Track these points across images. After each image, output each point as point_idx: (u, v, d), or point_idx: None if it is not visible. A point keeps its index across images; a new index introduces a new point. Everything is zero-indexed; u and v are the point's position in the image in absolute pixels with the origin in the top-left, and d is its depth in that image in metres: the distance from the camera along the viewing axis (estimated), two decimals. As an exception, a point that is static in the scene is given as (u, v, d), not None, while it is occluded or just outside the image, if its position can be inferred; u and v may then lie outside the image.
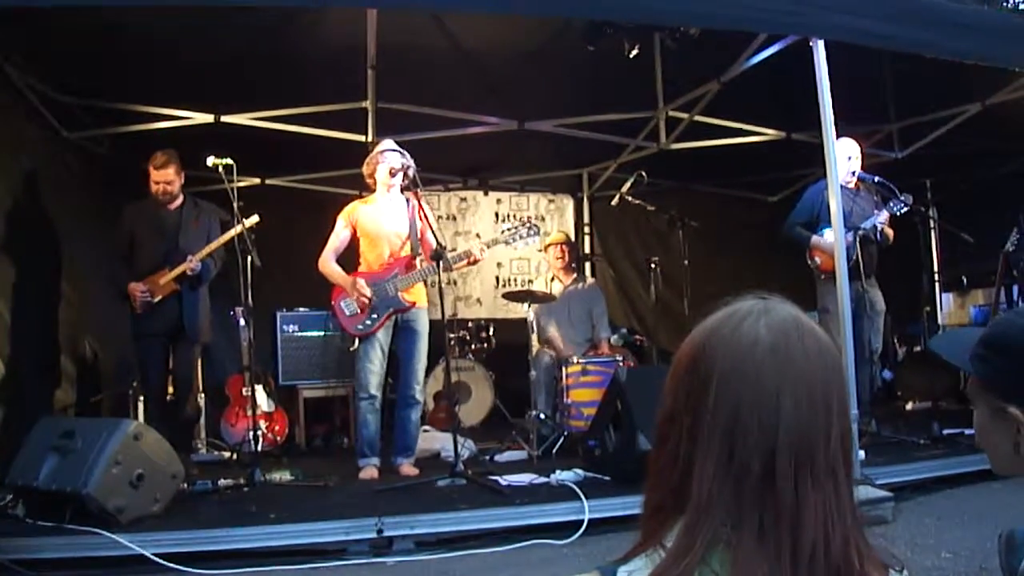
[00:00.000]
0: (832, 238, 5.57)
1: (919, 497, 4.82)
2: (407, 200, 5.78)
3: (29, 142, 6.16)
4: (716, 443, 1.02)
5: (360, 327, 5.64)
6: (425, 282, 5.86)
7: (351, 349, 5.83)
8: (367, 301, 5.57)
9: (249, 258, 5.40)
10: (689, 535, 1.01)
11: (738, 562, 0.97)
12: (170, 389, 6.15)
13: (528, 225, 5.93)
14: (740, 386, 1.02)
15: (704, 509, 1.01)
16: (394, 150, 5.66)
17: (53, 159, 6.51)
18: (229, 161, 5.29)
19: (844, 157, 6.01)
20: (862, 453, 4.96)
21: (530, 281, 9.26)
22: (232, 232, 5.66)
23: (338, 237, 5.78)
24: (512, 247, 6.27)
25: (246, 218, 5.54)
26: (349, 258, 5.88)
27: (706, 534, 0.99)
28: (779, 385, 1.02)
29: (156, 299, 5.76)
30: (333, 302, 5.75)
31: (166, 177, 5.81)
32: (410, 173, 5.56)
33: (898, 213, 6.11)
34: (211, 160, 5.29)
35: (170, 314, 5.82)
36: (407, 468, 5.60)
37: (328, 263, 5.75)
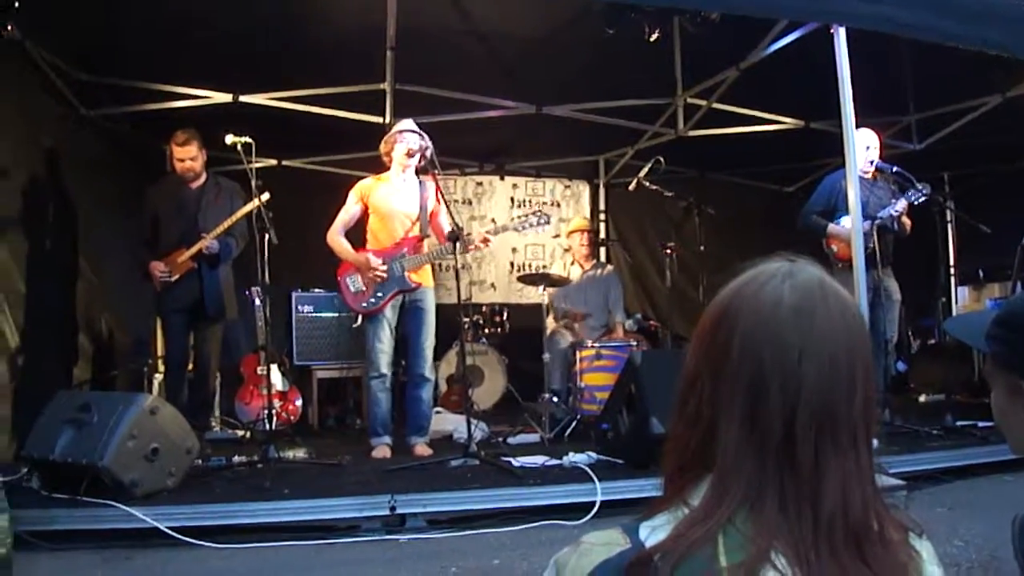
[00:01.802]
0: (849, 226, 5.56)
1: (931, 487, 4.81)
2: (420, 182, 5.80)
3: (48, 119, 6.19)
4: (738, 405, 1.02)
5: (364, 304, 5.66)
6: (436, 265, 5.86)
7: (355, 326, 5.87)
8: (383, 277, 5.59)
9: (267, 236, 5.41)
10: (714, 496, 1.01)
11: (760, 525, 0.98)
12: (191, 366, 6.20)
13: (538, 214, 5.92)
14: (762, 347, 1.02)
15: (729, 471, 1.01)
16: (413, 131, 5.66)
17: (72, 136, 6.53)
18: (248, 140, 5.29)
19: (863, 147, 5.99)
20: (875, 442, 4.94)
21: (544, 266, 9.27)
22: (245, 209, 5.68)
23: (348, 212, 5.79)
24: (523, 234, 6.28)
25: (260, 197, 5.55)
26: (357, 235, 5.88)
27: (732, 496, 0.99)
28: (802, 347, 1.01)
29: (174, 278, 5.81)
30: (339, 278, 5.77)
31: (189, 154, 5.86)
32: (428, 155, 5.56)
33: (916, 202, 6.08)
34: (230, 138, 5.29)
35: (191, 291, 5.88)
36: (421, 448, 5.62)
37: (337, 236, 5.76)
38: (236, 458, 5.19)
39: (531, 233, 6.19)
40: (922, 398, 8.10)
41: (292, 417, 7.03)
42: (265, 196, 5.56)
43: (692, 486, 1.05)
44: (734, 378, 1.03)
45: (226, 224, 5.79)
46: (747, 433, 1.01)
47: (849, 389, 1.02)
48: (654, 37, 5.95)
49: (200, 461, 4.89)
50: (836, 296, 1.07)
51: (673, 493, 1.07)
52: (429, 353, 5.76)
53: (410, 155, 5.64)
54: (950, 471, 5.00)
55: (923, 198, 6.06)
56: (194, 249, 5.80)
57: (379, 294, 5.64)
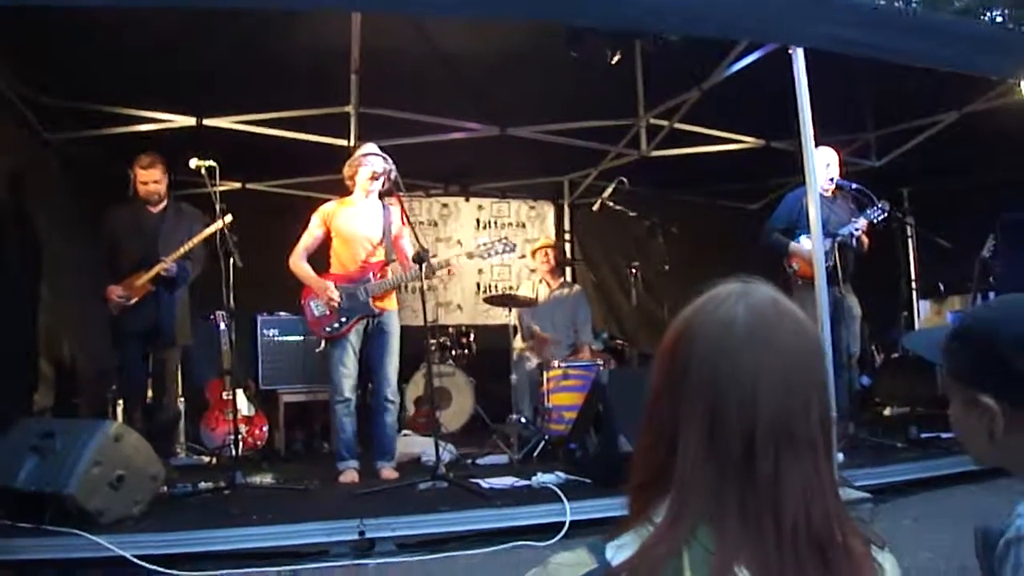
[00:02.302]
0: (809, 245, 5.64)
1: (897, 499, 4.86)
2: (384, 205, 5.81)
3: (10, 143, 6.11)
4: (697, 424, 1.03)
5: (328, 329, 5.66)
6: (401, 287, 5.87)
7: (317, 350, 5.87)
8: (336, 305, 5.59)
9: (231, 260, 5.39)
10: (675, 513, 1.02)
11: (722, 540, 0.99)
12: (150, 393, 6.15)
13: (504, 241, 5.97)
14: (718, 367, 1.04)
15: (688, 488, 1.02)
16: (377, 154, 5.68)
17: (35, 161, 6.46)
18: (212, 163, 5.28)
19: (822, 165, 6.09)
20: (840, 456, 5.00)
21: (511, 287, 9.28)
22: (207, 231, 5.65)
23: (311, 235, 5.80)
24: (487, 262, 6.33)
25: (223, 219, 5.51)
26: (321, 258, 5.88)
27: (692, 512, 1.01)
28: (757, 366, 1.03)
29: (131, 301, 5.77)
30: (303, 302, 5.77)
31: (153, 177, 5.86)
32: (392, 177, 5.57)
33: (875, 220, 6.19)
34: (194, 162, 5.28)
35: (147, 316, 5.86)
36: (387, 472, 5.60)
37: (299, 261, 5.76)
38: (203, 484, 5.13)
39: (495, 261, 6.22)
40: (887, 411, 8.19)
41: (259, 442, 6.97)
42: (228, 218, 5.53)
43: (656, 504, 1.06)
44: (693, 398, 1.05)
45: (187, 246, 5.76)
46: (706, 450, 1.03)
47: (805, 405, 1.04)
48: (616, 60, 6.01)
49: (166, 488, 4.82)
50: (790, 315, 1.09)
51: (638, 511, 1.08)
52: (393, 377, 5.74)
53: (374, 178, 5.65)
54: (915, 483, 5.07)
55: (883, 215, 6.18)
56: (152, 272, 5.77)
57: (343, 319, 5.63)
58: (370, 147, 5.77)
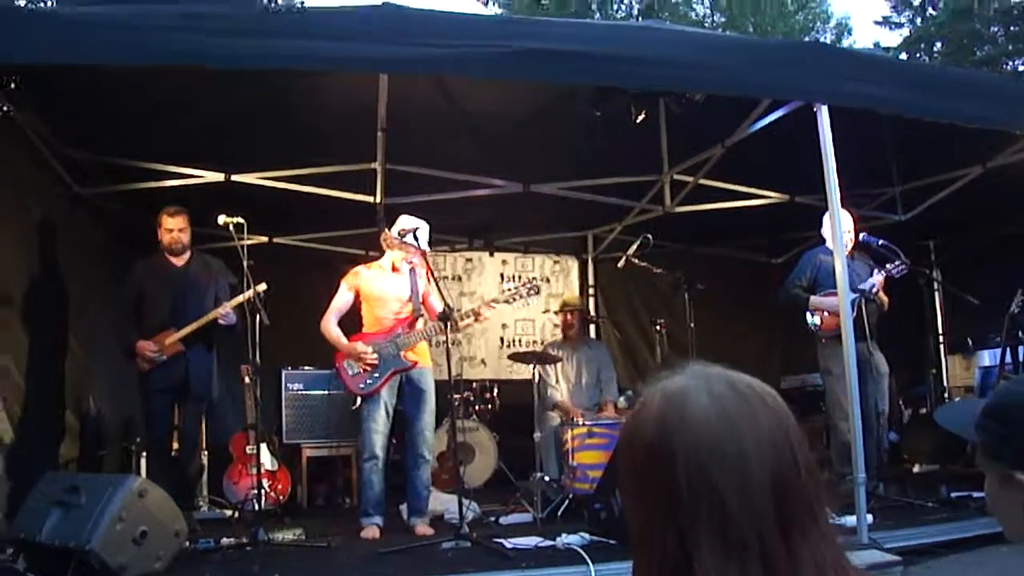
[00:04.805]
0: (829, 300, 5.61)
1: (928, 561, 4.76)
2: (410, 265, 5.89)
3: (41, 196, 6.21)
4: (706, 531, 1.01)
5: (362, 386, 5.70)
6: (429, 342, 5.92)
7: (353, 408, 5.88)
8: (373, 363, 5.62)
9: (258, 316, 5.43)
10: None
11: None
12: (175, 445, 6.15)
13: (529, 285, 6.02)
14: (709, 468, 1.02)
15: None
16: (420, 235, 5.68)
17: (64, 214, 6.56)
18: (240, 220, 5.36)
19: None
20: (870, 517, 4.91)
21: (535, 341, 9.28)
22: (241, 298, 5.68)
23: (340, 300, 5.89)
24: (514, 307, 6.34)
25: (256, 283, 5.55)
26: (352, 319, 5.95)
27: None
28: (742, 447, 1.03)
29: (164, 357, 5.81)
30: (337, 364, 5.82)
31: (179, 225, 5.92)
32: (422, 249, 5.64)
33: (897, 275, 6.17)
34: (222, 219, 5.36)
35: (177, 371, 5.86)
36: (422, 528, 5.60)
37: (329, 325, 5.84)
38: (225, 540, 5.10)
39: (521, 306, 6.23)
40: (916, 468, 8.06)
41: (281, 496, 6.95)
42: (262, 286, 5.60)
43: None
44: (692, 509, 1.02)
45: (241, 298, 5.70)
46: (724, 553, 1.00)
47: (795, 462, 1.04)
48: (640, 118, 6.05)
49: (188, 543, 4.81)
50: (748, 384, 1.09)
51: None
52: (429, 434, 5.78)
53: (406, 259, 5.79)
54: (946, 544, 4.97)
55: (904, 270, 6.16)
56: (205, 320, 5.81)
57: (376, 375, 5.67)
58: (416, 223, 5.77)
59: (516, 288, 6.01)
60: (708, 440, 1.03)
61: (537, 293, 6.13)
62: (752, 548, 1.00)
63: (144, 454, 6.73)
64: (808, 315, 6.41)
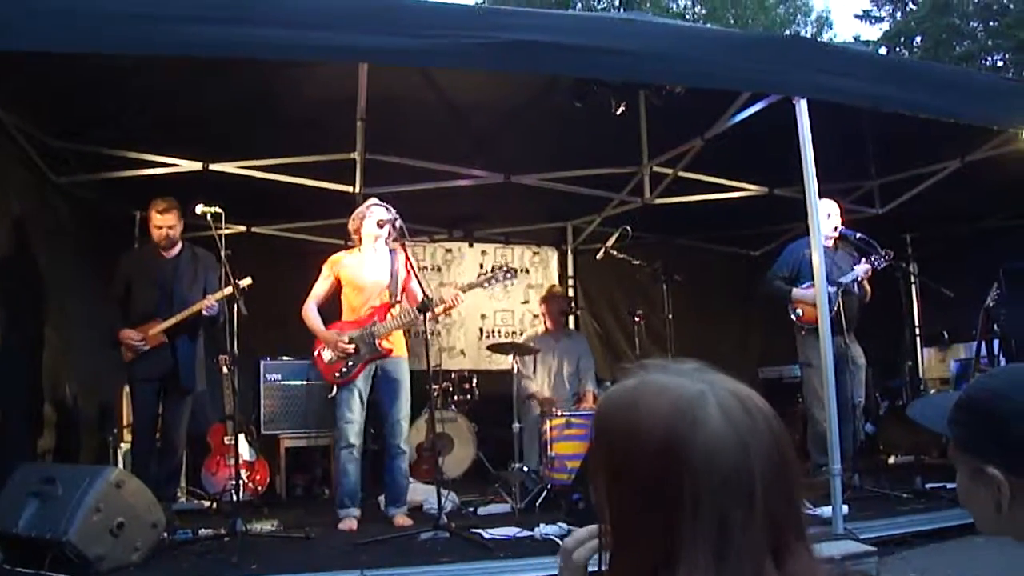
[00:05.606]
0: (811, 291, 5.65)
1: (903, 551, 4.81)
2: (391, 251, 5.85)
3: (17, 186, 6.13)
4: (702, 543, 1.00)
5: (338, 375, 5.70)
6: (407, 332, 5.90)
7: (329, 396, 5.88)
8: (348, 350, 5.60)
9: (236, 307, 5.41)
10: None
11: None
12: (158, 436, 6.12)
13: (505, 269, 5.99)
14: (720, 491, 1.01)
15: None
16: (379, 205, 5.74)
17: (41, 204, 6.49)
18: (218, 210, 5.33)
19: (824, 215, 6.12)
20: (845, 507, 4.96)
21: (514, 332, 9.29)
22: (224, 292, 5.67)
23: (321, 286, 5.88)
24: (492, 298, 6.33)
25: (240, 279, 5.55)
26: (333, 306, 5.93)
27: None
28: (752, 473, 1.02)
29: (147, 347, 5.77)
30: (314, 352, 5.82)
31: (168, 222, 5.89)
32: (396, 226, 5.59)
33: (878, 267, 6.23)
34: (200, 208, 5.34)
35: (163, 362, 5.84)
36: (401, 519, 5.60)
37: (310, 312, 5.83)
38: (203, 531, 5.10)
39: (500, 293, 6.22)
40: (891, 459, 8.13)
41: (259, 487, 6.94)
42: (246, 281, 5.59)
43: None
44: (697, 523, 1.01)
45: (224, 292, 5.69)
46: (716, 565, 1.00)
47: (792, 488, 1.06)
48: (620, 110, 6.06)
49: (166, 534, 4.80)
50: (754, 402, 1.09)
51: None
52: (405, 424, 5.76)
53: (380, 226, 5.69)
54: (921, 535, 5.02)
55: (885, 262, 6.22)
56: (192, 310, 5.78)
57: (351, 363, 5.67)
58: (373, 200, 5.86)
59: (492, 272, 5.98)
60: (723, 467, 1.02)
61: (514, 277, 6.10)
62: (746, 569, 1.01)
63: (122, 444, 6.70)
64: (790, 307, 6.46)
